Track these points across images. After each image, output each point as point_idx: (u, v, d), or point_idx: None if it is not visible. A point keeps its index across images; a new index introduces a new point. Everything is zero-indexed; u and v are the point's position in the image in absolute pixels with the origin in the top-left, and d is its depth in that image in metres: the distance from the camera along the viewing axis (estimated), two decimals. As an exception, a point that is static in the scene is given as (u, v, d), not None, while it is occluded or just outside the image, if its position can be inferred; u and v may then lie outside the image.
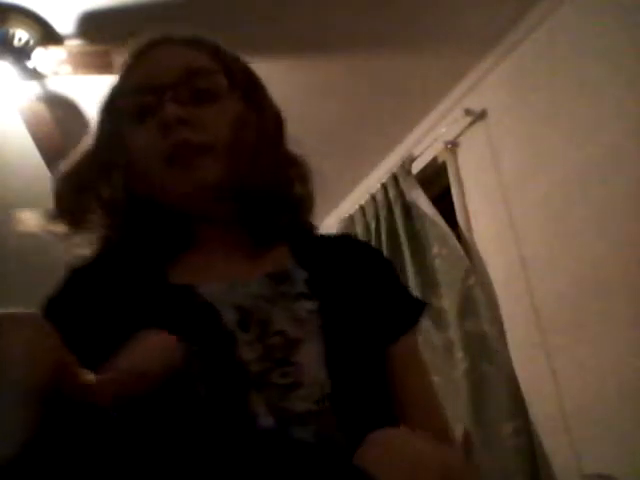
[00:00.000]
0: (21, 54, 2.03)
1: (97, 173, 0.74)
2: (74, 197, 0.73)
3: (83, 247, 0.73)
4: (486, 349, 1.97)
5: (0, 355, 0.28)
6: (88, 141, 0.77)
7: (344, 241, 0.82)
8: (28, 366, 0.29)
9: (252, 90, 0.78)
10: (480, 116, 2.27)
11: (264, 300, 0.66)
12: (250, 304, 0.65)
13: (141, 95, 0.72)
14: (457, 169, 2.35)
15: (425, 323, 2.18)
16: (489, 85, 2.27)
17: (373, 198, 2.61)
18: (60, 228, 0.73)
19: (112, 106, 0.76)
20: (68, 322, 0.64)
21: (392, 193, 2.50)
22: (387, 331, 0.72)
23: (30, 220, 0.74)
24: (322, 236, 0.82)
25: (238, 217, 0.74)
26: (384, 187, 2.56)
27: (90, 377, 0.40)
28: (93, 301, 0.66)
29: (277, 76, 2.12)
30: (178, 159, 0.69)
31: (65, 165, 0.76)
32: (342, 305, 0.68)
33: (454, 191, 2.33)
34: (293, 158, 0.79)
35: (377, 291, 0.74)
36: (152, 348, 0.46)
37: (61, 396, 0.32)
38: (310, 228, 0.80)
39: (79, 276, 0.71)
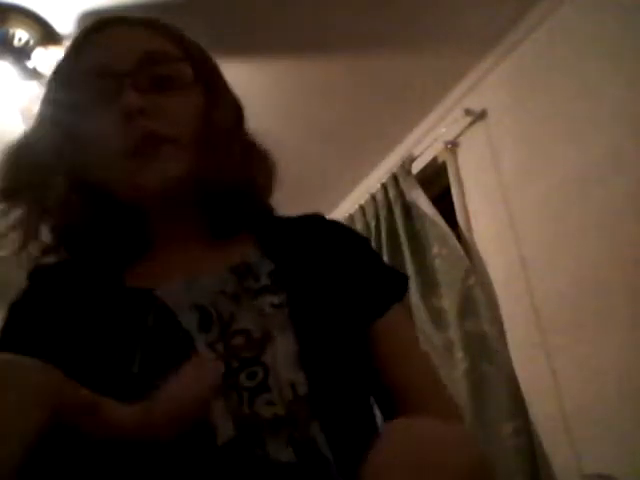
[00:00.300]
0: (21, 54, 2.03)
1: (42, 161, 0.68)
2: (19, 179, 0.68)
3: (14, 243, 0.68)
4: (486, 349, 1.97)
5: None
6: (33, 125, 0.71)
7: (313, 222, 0.77)
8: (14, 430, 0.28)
9: (213, 79, 0.75)
10: (480, 116, 2.27)
11: (226, 297, 0.62)
12: (210, 302, 0.61)
13: (99, 79, 0.67)
14: (457, 169, 2.35)
15: (425, 323, 2.18)
16: (489, 85, 2.27)
17: (373, 198, 2.61)
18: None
19: (61, 90, 0.70)
20: (30, 329, 0.63)
21: (392, 193, 2.50)
22: (367, 311, 0.68)
23: None
24: (289, 219, 0.77)
25: (198, 210, 0.71)
26: (384, 187, 2.56)
27: (120, 412, 0.37)
28: (52, 308, 0.64)
29: (277, 76, 2.13)
30: (138, 152, 0.64)
31: (9, 149, 0.70)
32: (312, 294, 0.64)
33: (454, 191, 2.33)
34: (254, 146, 0.75)
35: (352, 270, 0.70)
36: (188, 378, 0.41)
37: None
38: (272, 213, 0.76)
39: (39, 282, 0.68)
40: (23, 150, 0.70)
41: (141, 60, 0.67)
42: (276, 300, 0.62)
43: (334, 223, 0.79)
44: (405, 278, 0.75)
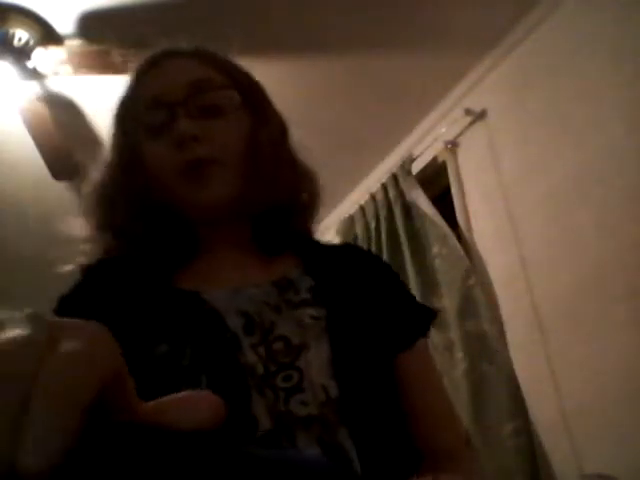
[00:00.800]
0: (21, 54, 2.03)
1: (119, 186, 0.76)
2: (102, 210, 0.76)
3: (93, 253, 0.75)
4: (486, 349, 1.97)
5: (53, 364, 0.26)
6: (106, 155, 0.79)
7: (350, 250, 0.83)
8: (79, 376, 0.27)
9: (258, 101, 0.80)
10: (480, 116, 2.27)
11: (268, 307, 0.67)
12: (254, 310, 0.66)
13: (154, 111, 0.74)
14: (457, 169, 2.35)
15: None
16: (489, 85, 2.27)
17: (373, 198, 2.61)
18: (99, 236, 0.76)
19: (125, 121, 0.78)
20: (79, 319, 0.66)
21: (392, 193, 2.50)
22: (396, 339, 0.73)
23: (76, 227, 0.76)
24: (328, 244, 0.84)
25: (246, 226, 0.76)
26: (384, 187, 2.56)
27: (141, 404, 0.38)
28: (102, 303, 0.68)
29: (277, 77, 2.13)
30: (193, 175, 0.71)
31: (92, 180, 0.78)
32: (348, 312, 0.69)
33: (454, 191, 2.33)
34: (300, 165, 0.81)
35: (385, 299, 0.75)
36: (197, 405, 0.41)
37: (107, 413, 0.30)
38: (313, 232, 0.82)
39: (91, 277, 0.73)
40: (103, 185, 0.77)
41: (190, 89, 0.73)
42: (314, 313, 0.67)
43: (370, 254, 0.86)
44: (433, 313, 0.81)
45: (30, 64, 2.04)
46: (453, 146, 2.37)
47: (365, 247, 2.53)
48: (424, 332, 0.78)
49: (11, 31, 1.99)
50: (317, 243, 0.82)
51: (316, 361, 0.63)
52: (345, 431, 0.59)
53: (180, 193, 0.73)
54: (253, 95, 0.79)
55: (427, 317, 0.79)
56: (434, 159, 2.46)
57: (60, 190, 2.65)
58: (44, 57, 1.98)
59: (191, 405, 0.32)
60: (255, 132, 0.75)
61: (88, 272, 0.74)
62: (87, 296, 0.70)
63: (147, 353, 0.61)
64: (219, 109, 0.74)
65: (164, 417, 0.30)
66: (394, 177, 2.51)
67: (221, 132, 0.73)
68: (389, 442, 0.62)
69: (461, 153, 2.36)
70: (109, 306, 0.67)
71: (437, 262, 2.24)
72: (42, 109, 2.14)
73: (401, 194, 2.46)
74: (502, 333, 1.99)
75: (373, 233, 2.54)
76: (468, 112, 2.29)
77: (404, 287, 0.82)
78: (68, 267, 0.75)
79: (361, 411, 0.62)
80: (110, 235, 0.76)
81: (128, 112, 0.78)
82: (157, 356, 0.61)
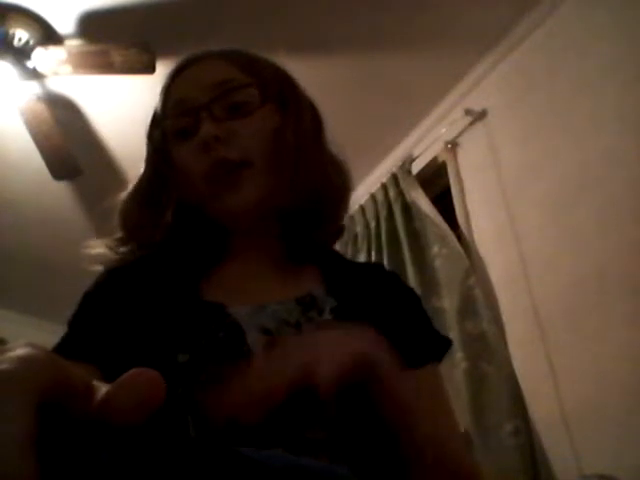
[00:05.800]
0: (21, 54, 2.03)
1: (154, 192, 0.77)
2: (139, 218, 0.76)
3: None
4: (486, 349, 1.97)
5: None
6: (143, 164, 0.80)
7: (373, 271, 0.82)
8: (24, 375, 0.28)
9: (287, 96, 0.79)
10: (480, 116, 2.27)
11: (289, 325, 0.66)
12: (276, 327, 0.66)
13: (179, 117, 0.74)
14: (457, 169, 2.35)
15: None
16: (489, 85, 2.27)
17: (373, 198, 2.61)
18: (127, 248, 0.76)
19: (155, 129, 0.79)
20: (99, 321, 0.68)
21: (392, 193, 2.50)
22: (406, 360, 0.71)
23: (99, 248, 0.77)
24: (354, 263, 0.83)
25: (276, 229, 0.76)
26: (384, 187, 2.56)
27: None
28: (126, 305, 0.68)
29: (277, 76, 2.13)
30: (220, 178, 0.71)
31: (127, 189, 0.79)
32: None
33: (454, 191, 2.33)
34: (331, 160, 0.79)
35: (403, 324, 0.73)
36: (137, 384, 0.40)
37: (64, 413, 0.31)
38: (342, 232, 0.81)
39: (116, 277, 0.73)
40: (138, 194, 0.79)
41: (213, 92, 0.73)
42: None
43: (394, 275, 0.84)
44: (449, 342, 0.78)
45: (30, 64, 2.04)
46: (453, 146, 2.37)
47: (365, 247, 2.53)
48: (436, 358, 0.75)
49: (11, 31, 1.99)
50: (341, 258, 0.82)
51: None
52: (348, 454, 0.58)
53: (209, 198, 0.73)
54: (280, 91, 0.78)
55: (442, 345, 0.77)
56: (434, 159, 2.46)
57: (60, 190, 2.66)
58: (44, 57, 1.98)
59: (132, 384, 0.32)
60: (282, 129, 0.74)
61: (114, 273, 0.74)
62: (113, 297, 0.70)
63: (169, 361, 0.61)
64: (245, 109, 0.73)
65: (112, 403, 0.31)
66: (394, 177, 2.51)
67: (246, 132, 0.72)
68: (390, 468, 0.60)
69: (461, 153, 2.36)
70: (134, 310, 0.67)
71: (437, 262, 2.24)
72: (42, 109, 2.14)
73: (401, 194, 2.46)
74: (502, 333, 1.99)
75: (373, 233, 2.53)
76: (468, 112, 2.29)
77: (425, 313, 0.80)
78: (94, 267, 0.75)
79: (366, 435, 0.60)
80: (139, 239, 0.76)
81: (156, 121, 0.79)
82: (178, 364, 0.61)
